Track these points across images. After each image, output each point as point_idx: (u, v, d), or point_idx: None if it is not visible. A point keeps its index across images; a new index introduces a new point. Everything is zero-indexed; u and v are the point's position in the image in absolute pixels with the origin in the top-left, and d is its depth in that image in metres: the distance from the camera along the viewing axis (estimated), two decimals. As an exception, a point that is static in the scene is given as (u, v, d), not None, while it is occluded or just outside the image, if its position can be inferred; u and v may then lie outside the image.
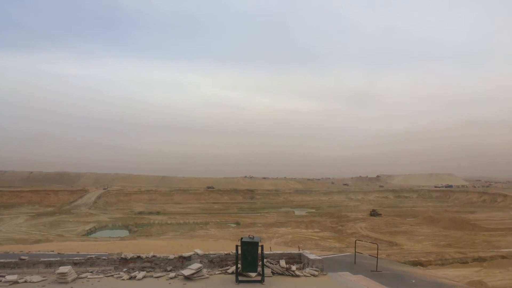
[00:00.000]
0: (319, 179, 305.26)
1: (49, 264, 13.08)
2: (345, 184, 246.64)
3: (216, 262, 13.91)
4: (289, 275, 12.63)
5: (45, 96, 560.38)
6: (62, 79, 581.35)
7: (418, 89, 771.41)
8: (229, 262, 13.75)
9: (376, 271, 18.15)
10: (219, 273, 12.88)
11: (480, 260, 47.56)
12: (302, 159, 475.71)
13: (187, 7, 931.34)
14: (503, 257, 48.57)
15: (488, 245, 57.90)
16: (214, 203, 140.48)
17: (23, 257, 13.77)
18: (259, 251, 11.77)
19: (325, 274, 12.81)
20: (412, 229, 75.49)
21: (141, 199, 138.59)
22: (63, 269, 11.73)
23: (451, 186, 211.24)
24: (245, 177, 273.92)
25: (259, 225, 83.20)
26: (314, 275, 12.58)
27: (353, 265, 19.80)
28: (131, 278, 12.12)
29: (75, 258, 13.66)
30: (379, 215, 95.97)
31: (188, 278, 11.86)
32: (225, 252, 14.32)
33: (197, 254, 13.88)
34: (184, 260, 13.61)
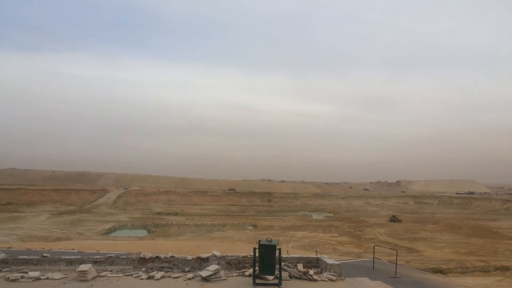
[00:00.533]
0: (337, 183, 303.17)
1: (70, 262, 13.32)
2: (366, 189, 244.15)
3: (233, 264, 13.93)
4: (306, 279, 12.55)
5: (68, 97, 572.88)
6: (84, 81, 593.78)
7: (439, 95, 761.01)
8: (247, 265, 13.75)
9: (395, 277, 17.90)
10: (236, 275, 12.89)
11: (502, 269, 46.35)
12: (321, 163, 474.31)
13: (206, 11, 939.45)
14: (527, 266, 47.24)
15: (511, 254, 56.43)
16: (232, 205, 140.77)
17: (45, 254, 14.04)
18: (277, 254, 11.73)
19: (343, 279, 12.68)
20: (432, 235, 74.13)
21: (160, 200, 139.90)
22: (83, 267, 11.92)
23: (473, 193, 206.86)
24: (263, 180, 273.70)
25: (277, 228, 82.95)
26: (332, 280, 12.47)
27: (372, 271, 19.57)
28: (149, 277, 12.23)
29: (95, 257, 13.87)
30: (399, 221, 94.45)
31: (205, 279, 11.90)
32: (243, 255, 14.33)
33: (215, 255, 13.93)
34: (202, 261, 13.67)
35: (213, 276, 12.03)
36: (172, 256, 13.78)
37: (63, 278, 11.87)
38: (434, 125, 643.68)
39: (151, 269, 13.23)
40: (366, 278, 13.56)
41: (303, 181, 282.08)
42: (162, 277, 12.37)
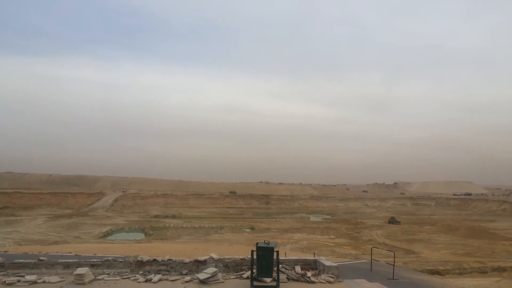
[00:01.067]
0: (335, 185, 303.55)
1: (67, 265, 13.29)
2: (364, 191, 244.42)
3: (231, 266, 13.93)
4: (304, 281, 12.56)
5: (65, 99, 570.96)
6: (83, 84, 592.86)
7: (436, 96, 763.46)
8: (244, 267, 13.74)
9: (393, 279, 17.91)
10: (234, 278, 12.89)
11: (499, 270, 46.47)
12: (318, 165, 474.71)
13: (206, 13, 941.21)
14: (524, 267, 47.38)
15: (508, 254, 56.56)
16: (229, 207, 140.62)
17: (42, 258, 14.01)
18: (275, 257, 11.73)
19: (341, 281, 12.70)
20: (429, 237, 74.27)
21: (157, 203, 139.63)
22: (80, 270, 11.90)
23: (470, 194, 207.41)
24: (261, 182, 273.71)
25: (274, 230, 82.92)
26: (329, 282, 12.49)
27: (369, 273, 19.58)
28: (147, 280, 12.21)
29: (92, 260, 13.84)
30: (398, 222, 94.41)
31: (203, 282, 11.89)
32: (240, 257, 14.32)
33: (212, 258, 13.92)
34: (200, 264, 13.66)
35: (210, 279, 12.03)
36: (170, 259, 13.76)
37: (60, 281, 11.84)
38: (431, 126, 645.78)
39: (149, 272, 13.21)
40: (364, 280, 13.58)
41: (300, 183, 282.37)
42: (160, 280, 12.36)
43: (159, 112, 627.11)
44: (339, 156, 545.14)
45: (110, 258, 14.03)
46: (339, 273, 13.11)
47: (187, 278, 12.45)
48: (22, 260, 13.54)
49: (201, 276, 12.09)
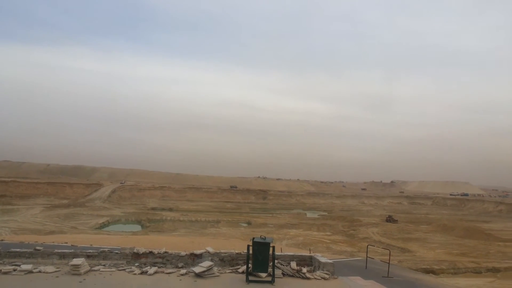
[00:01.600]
0: (332, 182, 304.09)
1: (63, 256, 13.28)
2: (363, 189, 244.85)
3: (227, 261, 13.94)
4: (299, 277, 12.59)
5: (64, 90, 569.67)
6: (82, 74, 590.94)
7: (436, 95, 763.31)
8: (240, 262, 13.76)
9: (388, 277, 17.99)
10: (230, 272, 12.91)
11: (494, 270, 46.70)
12: (316, 161, 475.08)
13: (206, 7, 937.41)
14: (518, 268, 47.61)
15: (503, 255, 56.81)
16: (226, 202, 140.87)
17: (38, 248, 14.00)
18: (270, 252, 11.75)
19: (336, 278, 12.73)
20: (425, 236, 74.55)
21: (154, 195, 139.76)
22: (76, 261, 11.90)
23: (466, 195, 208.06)
24: (259, 177, 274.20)
25: (271, 225, 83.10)
26: (324, 278, 12.51)
27: (364, 270, 19.66)
28: (142, 273, 12.22)
29: (88, 251, 13.85)
30: (395, 221, 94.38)
31: (199, 275, 11.91)
32: (236, 251, 14.34)
33: (209, 252, 13.93)
34: (195, 258, 13.67)
35: (206, 272, 12.05)
36: (166, 252, 13.77)
37: (55, 271, 11.84)
38: (430, 126, 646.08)
39: (145, 264, 13.22)
40: (358, 277, 13.63)
41: (298, 179, 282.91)
42: (155, 272, 12.37)
43: (158, 104, 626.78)
44: (337, 153, 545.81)
45: (106, 250, 14.03)
46: (334, 270, 13.14)
47: (183, 271, 12.46)
48: (18, 249, 13.53)
49: (197, 269, 12.10)
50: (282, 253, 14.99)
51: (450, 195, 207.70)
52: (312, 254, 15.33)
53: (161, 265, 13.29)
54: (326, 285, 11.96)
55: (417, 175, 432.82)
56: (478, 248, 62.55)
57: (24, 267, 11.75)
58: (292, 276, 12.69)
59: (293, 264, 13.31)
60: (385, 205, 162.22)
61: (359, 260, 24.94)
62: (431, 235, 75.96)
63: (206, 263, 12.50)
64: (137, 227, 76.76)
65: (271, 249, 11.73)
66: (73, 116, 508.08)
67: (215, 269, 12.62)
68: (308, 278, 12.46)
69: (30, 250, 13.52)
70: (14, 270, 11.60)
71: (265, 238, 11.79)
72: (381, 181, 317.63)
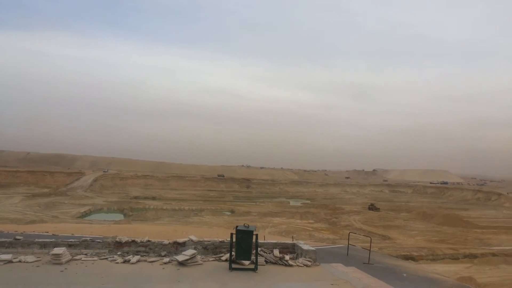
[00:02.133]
0: (315, 171, 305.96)
1: (43, 245, 13.13)
2: (347, 178, 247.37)
3: (210, 249, 13.99)
4: (282, 264, 12.73)
5: (44, 77, 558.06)
6: (62, 60, 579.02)
7: (419, 86, 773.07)
8: (223, 250, 13.83)
9: (368, 263, 18.30)
10: (213, 260, 12.97)
11: (471, 256, 47.94)
12: (300, 150, 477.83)
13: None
14: (493, 254, 48.97)
15: (479, 242, 58.33)
16: (210, 190, 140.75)
17: (17, 237, 13.82)
18: (254, 240, 11.84)
19: (318, 265, 12.91)
20: (405, 223, 75.96)
21: (137, 184, 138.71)
22: (57, 250, 11.79)
23: (446, 183, 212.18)
24: (242, 166, 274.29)
25: (254, 214, 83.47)
26: (307, 265, 12.68)
27: (346, 257, 19.96)
28: (125, 261, 12.18)
29: (70, 240, 13.72)
30: (378, 209, 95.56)
31: (182, 263, 11.93)
32: (220, 240, 14.39)
33: (192, 240, 13.95)
34: (179, 246, 13.68)
35: (189, 261, 12.08)
36: (149, 241, 13.74)
37: (36, 261, 11.72)
38: (412, 115, 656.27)
39: (127, 253, 13.17)
40: (340, 264, 13.84)
41: (282, 168, 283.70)
42: (138, 261, 12.35)
43: (141, 91, 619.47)
44: (320, 141, 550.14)
45: (88, 239, 13.93)
46: (317, 257, 13.32)
47: (166, 259, 12.46)
48: (-3, 239, 13.34)
49: (180, 258, 12.12)
50: (265, 241, 15.11)
51: (430, 183, 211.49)
52: (294, 241, 15.49)
53: (144, 254, 13.27)
54: (308, 272, 12.12)
55: (399, 163, 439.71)
56: (456, 235, 64.05)
57: (3, 257, 11.59)
58: (275, 263, 12.82)
59: (276, 252, 13.43)
60: (367, 193, 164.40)
61: (341, 247, 25.30)
62: (411, 223, 77.45)
63: (189, 252, 12.53)
64: (120, 216, 76.21)
65: (254, 237, 11.82)
66: (54, 103, 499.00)
67: (198, 257, 12.66)
68: (290, 266, 12.60)
69: (9, 239, 13.34)
70: (-7, 260, 11.43)
71: (248, 226, 11.86)
72: (363, 170, 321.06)
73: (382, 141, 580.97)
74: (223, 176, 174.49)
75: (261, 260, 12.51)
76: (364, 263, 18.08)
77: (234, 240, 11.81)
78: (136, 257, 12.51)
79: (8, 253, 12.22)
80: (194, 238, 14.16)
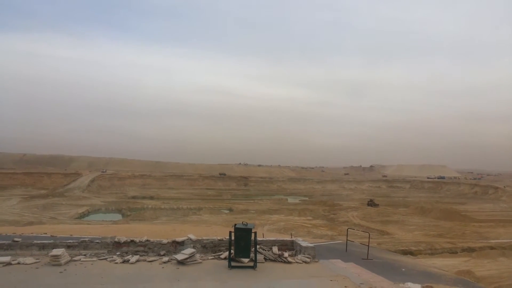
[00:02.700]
0: (313, 168, 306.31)
1: (42, 247, 13.10)
2: (346, 174, 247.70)
3: (209, 247, 14.00)
4: (281, 261, 12.74)
5: (40, 78, 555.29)
6: (57, 61, 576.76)
7: (415, 81, 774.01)
8: (222, 248, 13.84)
9: (367, 259, 18.37)
10: (212, 259, 12.97)
11: (469, 250, 48.21)
12: (297, 147, 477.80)
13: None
14: (491, 247, 49.25)
15: (477, 236, 58.63)
16: (208, 189, 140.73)
17: (16, 239, 13.77)
18: (252, 238, 11.85)
19: (317, 261, 12.94)
20: (403, 219, 76.22)
21: (135, 184, 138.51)
22: (56, 251, 11.76)
23: (443, 178, 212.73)
24: (240, 164, 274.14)
25: (252, 211, 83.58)
26: (306, 262, 12.70)
27: (345, 253, 20.02)
28: (124, 261, 12.17)
29: (69, 241, 13.69)
30: (377, 205, 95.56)
31: (181, 262, 11.93)
32: (218, 238, 14.40)
33: (190, 239, 13.95)
34: (177, 245, 13.68)
35: (188, 260, 12.08)
36: (147, 240, 13.73)
37: (35, 262, 11.69)
38: (408, 111, 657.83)
39: (126, 253, 13.16)
40: (339, 260, 13.87)
41: (279, 165, 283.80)
42: (137, 261, 12.34)
43: (136, 91, 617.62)
44: (318, 138, 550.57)
45: (86, 239, 13.90)
46: (315, 253, 13.34)
47: (165, 259, 12.46)
48: (-5, 241, 13.29)
49: (179, 256, 12.12)
50: (264, 239, 15.14)
51: (427, 178, 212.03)
52: (293, 238, 15.52)
53: (143, 254, 13.26)
54: (307, 268, 12.15)
55: (396, 159, 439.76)
56: (454, 229, 64.33)
57: (2, 259, 11.55)
58: (274, 260, 12.84)
59: (275, 249, 13.45)
60: (365, 189, 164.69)
61: (340, 243, 25.35)
62: (409, 218, 77.72)
63: (188, 250, 12.53)
64: (118, 216, 76.14)
65: (252, 234, 11.83)
66: (49, 104, 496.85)
67: (198, 256, 12.66)
68: (289, 262, 12.63)
69: (8, 241, 13.29)
70: (-8, 262, 11.40)
71: (246, 224, 11.87)
72: (360, 166, 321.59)
73: (379, 137, 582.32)
74: (225, 174, 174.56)
75: (260, 257, 12.53)
76: (363, 259, 18.14)
77: (233, 238, 11.82)
78: (135, 257, 12.50)
79: (7, 255, 12.19)
80: (192, 237, 14.17)
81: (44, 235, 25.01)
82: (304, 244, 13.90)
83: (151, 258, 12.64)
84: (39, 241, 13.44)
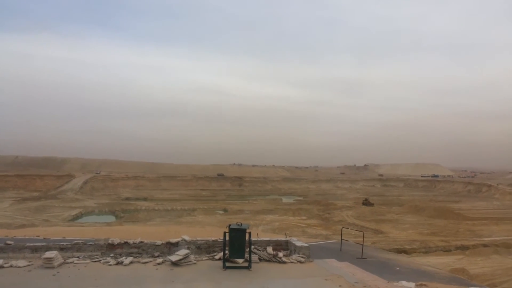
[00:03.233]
0: (307, 167, 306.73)
1: (35, 249, 12.97)
2: (342, 173, 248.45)
3: (203, 248, 13.94)
4: (276, 261, 12.73)
5: (32, 79, 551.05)
6: (50, 62, 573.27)
7: (409, 80, 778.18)
8: (217, 249, 13.79)
9: (362, 258, 18.42)
10: (206, 259, 12.93)
11: (463, 248, 48.50)
12: (291, 147, 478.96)
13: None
14: (485, 245, 49.60)
15: (471, 234, 58.99)
16: (202, 189, 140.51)
17: (8, 242, 13.63)
18: (247, 238, 11.83)
19: (312, 261, 12.93)
20: (397, 217, 76.53)
21: (128, 185, 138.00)
22: (49, 254, 11.66)
23: (437, 176, 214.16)
24: (234, 164, 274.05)
25: (247, 212, 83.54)
26: (300, 262, 12.70)
27: (339, 252, 20.06)
28: (118, 263, 12.09)
29: (62, 243, 13.57)
30: (372, 204, 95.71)
31: (175, 264, 11.88)
32: (213, 239, 14.35)
33: (185, 240, 13.89)
34: (172, 246, 13.61)
35: (183, 261, 12.03)
36: (141, 242, 13.65)
37: (28, 265, 11.58)
38: (401, 109, 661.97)
39: (120, 255, 13.08)
40: (333, 259, 13.88)
41: (273, 165, 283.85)
42: (131, 262, 12.26)
43: (130, 91, 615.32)
44: (311, 138, 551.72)
45: (80, 241, 13.79)
46: (310, 253, 13.34)
47: (159, 260, 12.40)
48: (-13, 244, 13.15)
49: (173, 258, 12.07)
50: (259, 239, 15.10)
51: (421, 176, 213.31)
52: (288, 238, 15.51)
53: (137, 255, 13.18)
54: (302, 268, 12.14)
55: (390, 157, 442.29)
56: (448, 227, 64.70)
57: (-6, 262, 11.43)
58: (268, 260, 12.82)
59: (270, 249, 13.43)
60: (359, 188, 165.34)
61: (334, 243, 25.40)
62: (403, 216, 78.07)
63: (183, 251, 12.47)
64: (111, 218, 75.77)
65: (247, 235, 11.80)
66: (42, 105, 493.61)
67: (192, 257, 12.61)
68: (284, 262, 12.61)
69: (0, 244, 13.16)
70: (-16, 265, 11.28)
71: (241, 225, 11.84)
72: (354, 165, 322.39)
73: (372, 136, 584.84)
74: (223, 175, 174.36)
75: (254, 258, 12.50)
76: (357, 258, 18.19)
77: (227, 238, 11.78)
78: (129, 259, 12.43)
79: (-1, 258, 12.07)
80: (187, 238, 14.11)
81: (36, 237, 24.83)
82: (298, 244, 13.89)
83: (145, 260, 12.57)
84: (31, 244, 13.30)
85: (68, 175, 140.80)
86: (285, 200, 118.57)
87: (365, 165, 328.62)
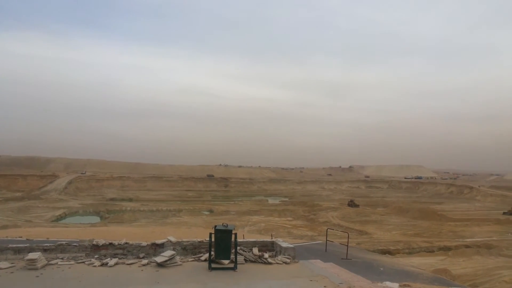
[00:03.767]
0: (293, 169, 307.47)
1: (17, 251, 12.79)
2: (329, 175, 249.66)
3: (189, 249, 13.92)
4: (261, 262, 12.78)
5: (15, 78, 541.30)
6: (33, 60, 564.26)
7: (393, 82, 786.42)
8: (202, 250, 13.78)
9: (346, 259, 18.58)
10: (192, 261, 12.91)
11: (445, 249, 49.22)
12: (277, 148, 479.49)
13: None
14: (467, 246, 50.45)
15: (453, 235, 59.91)
16: (188, 190, 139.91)
17: (-10, 243, 13.43)
18: (233, 239, 11.85)
19: (297, 262, 13.02)
20: (382, 218, 77.30)
21: (113, 185, 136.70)
22: (32, 255, 11.52)
23: (420, 178, 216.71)
24: (220, 165, 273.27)
25: (233, 213, 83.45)
26: (286, 263, 12.77)
27: (324, 253, 20.20)
28: (102, 265, 12.01)
29: (45, 245, 13.41)
30: (357, 206, 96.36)
31: (161, 265, 11.85)
32: (199, 240, 14.33)
33: (170, 241, 13.85)
34: (157, 247, 13.56)
35: (168, 262, 12.00)
36: (126, 243, 13.56)
37: (10, 267, 11.43)
38: (386, 112, 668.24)
39: (105, 256, 12.98)
40: (318, 260, 13.98)
41: (259, 166, 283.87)
42: (116, 264, 12.18)
43: (115, 91, 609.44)
44: (298, 139, 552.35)
45: (64, 242, 13.64)
46: (295, 254, 13.42)
47: (144, 261, 12.34)
48: (-32, 246, 12.92)
49: (159, 259, 12.03)
50: (244, 240, 15.13)
51: (405, 178, 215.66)
52: (273, 239, 15.58)
53: (122, 256, 13.09)
54: (287, 269, 12.22)
55: (375, 159, 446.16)
56: (431, 228, 65.59)
57: (-25, 264, 11.26)
58: (254, 261, 12.86)
59: (255, 250, 13.47)
60: (344, 189, 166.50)
61: (319, 244, 25.55)
62: (387, 217, 78.88)
63: (168, 253, 12.44)
64: (96, 219, 74.95)
65: (233, 236, 11.83)
66: (25, 104, 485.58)
67: (177, 258, 12.58)
68: (270, 263, 12.67)
69: (-19, 246, 12.95)
70: (-35, 267, 11.10)
71: (227, 226, 11.86)
72: (340, 166, 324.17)
73: (358, 138, 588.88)
74: (213, 176, 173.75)
75: (240, 259, 12.53)
76: (342, 259, 18.35)
77: (213, 239, 11.79)
78: (114, 260, 12.34)
79: (-20, 260, 11.88)
80: (172, 239, 14.07)
81: (19, 238, 24.45)
82: (284, 245, 13.97)
83: (130, 261, 12.50)
84: (14, 245, 13.12)
85: (52, 175, 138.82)
86: (271, 201, 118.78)
87: (350, 167, 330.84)
